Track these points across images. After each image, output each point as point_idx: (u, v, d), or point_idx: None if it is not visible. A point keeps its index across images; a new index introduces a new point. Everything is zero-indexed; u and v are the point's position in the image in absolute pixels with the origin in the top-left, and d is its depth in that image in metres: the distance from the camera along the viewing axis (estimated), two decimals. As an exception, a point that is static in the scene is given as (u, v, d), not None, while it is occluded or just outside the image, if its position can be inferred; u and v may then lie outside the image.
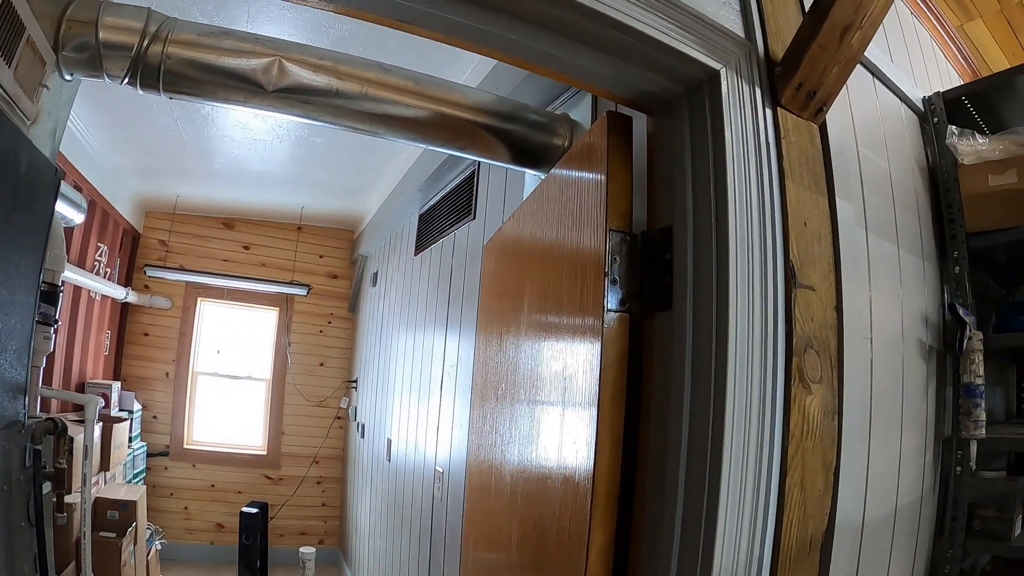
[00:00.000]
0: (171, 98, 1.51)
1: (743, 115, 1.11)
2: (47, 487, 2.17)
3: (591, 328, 1.14)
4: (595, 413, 1.10)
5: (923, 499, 1.78)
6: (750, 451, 1.00)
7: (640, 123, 1.28)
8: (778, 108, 1.17)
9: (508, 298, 1.72)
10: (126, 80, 1.44)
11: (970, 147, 1.92)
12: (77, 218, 3.26)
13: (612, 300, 1.13)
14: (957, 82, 2.36)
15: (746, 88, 1.13)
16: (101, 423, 3.73)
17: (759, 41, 1.18)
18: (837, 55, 1.17)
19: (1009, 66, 2.29)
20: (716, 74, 1.11)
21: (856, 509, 1.36)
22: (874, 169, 1.59)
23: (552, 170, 1.52)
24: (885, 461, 1.52)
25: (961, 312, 1.75)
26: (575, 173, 1.33)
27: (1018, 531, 1.89)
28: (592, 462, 1.09)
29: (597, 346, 1.11)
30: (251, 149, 3.84)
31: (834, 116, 1.31)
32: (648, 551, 1.09)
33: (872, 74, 1.73)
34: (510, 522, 1.52)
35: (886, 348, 1.54)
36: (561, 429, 1.25)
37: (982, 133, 1.94)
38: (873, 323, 1.44)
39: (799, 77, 1.17)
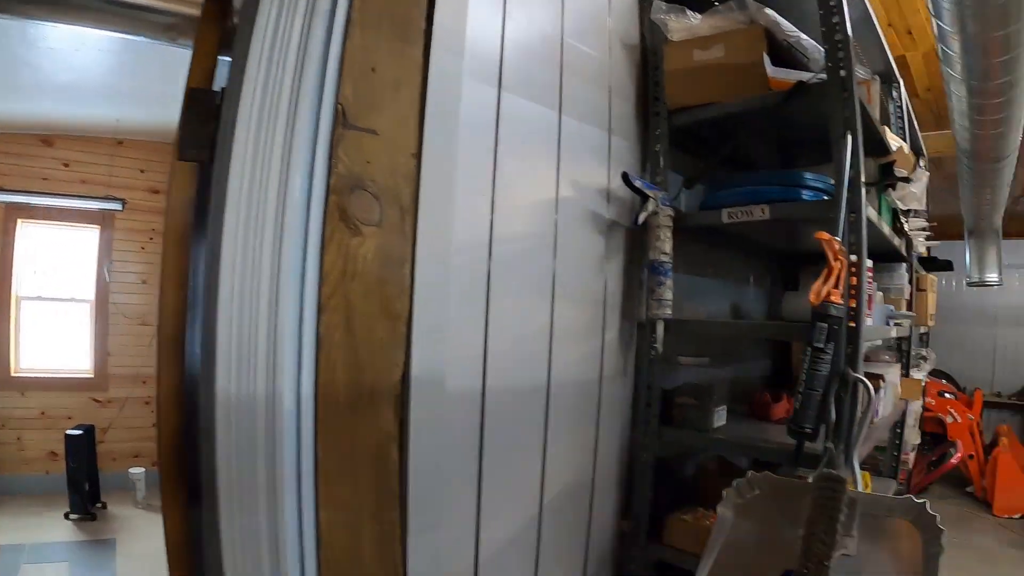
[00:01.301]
0: None
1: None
2: None
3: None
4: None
5: (604, 381, 1.77)
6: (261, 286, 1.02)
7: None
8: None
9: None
10: None
11: (680, 24, 1.89)
12: None
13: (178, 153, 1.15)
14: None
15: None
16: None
17: None
18: None
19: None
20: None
21: (466, 372, 1.33)
22: (531, 35, 1.53)
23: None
24: (522, 331, 1.49)
25: (640, 184, 1.73)
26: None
27: (720, 423, 1.88)
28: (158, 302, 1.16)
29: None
30: (52, 59, 3.62)
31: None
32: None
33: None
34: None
35: (527, 212, 1.50)
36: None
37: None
38: (498, 183, 1.40)
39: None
